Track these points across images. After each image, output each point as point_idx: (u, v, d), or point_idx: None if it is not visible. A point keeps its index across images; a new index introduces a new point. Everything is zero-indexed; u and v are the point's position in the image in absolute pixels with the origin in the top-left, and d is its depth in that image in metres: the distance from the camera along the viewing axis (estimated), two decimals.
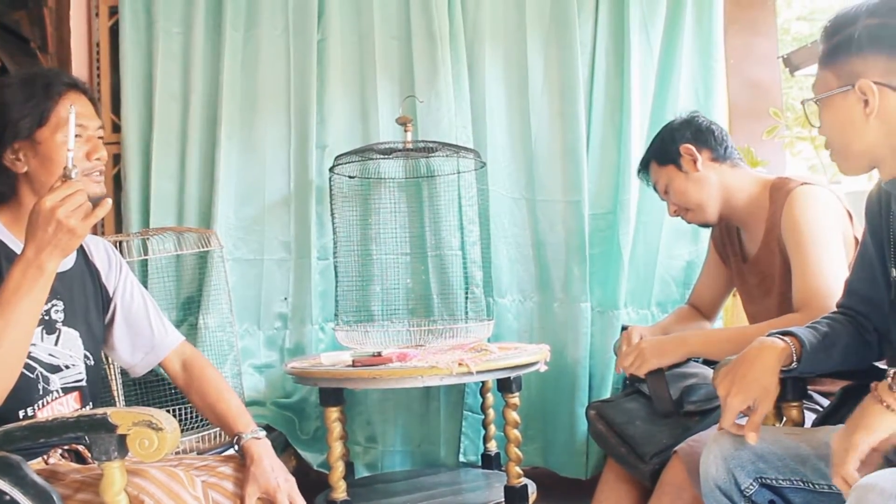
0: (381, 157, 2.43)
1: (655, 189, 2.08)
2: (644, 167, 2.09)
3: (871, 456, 1.13)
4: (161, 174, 2.61)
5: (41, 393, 1.43)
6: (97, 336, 1.58)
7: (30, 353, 1.37)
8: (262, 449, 1.50)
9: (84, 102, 1.49)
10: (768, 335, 1.42)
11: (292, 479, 1.52)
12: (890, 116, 1.25)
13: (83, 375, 1.52)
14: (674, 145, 1.98)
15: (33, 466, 1.23)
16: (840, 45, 1.29)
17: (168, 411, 1.21)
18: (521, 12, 2.60)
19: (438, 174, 2.57)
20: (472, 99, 2.62)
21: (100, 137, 1.51)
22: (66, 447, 1.48)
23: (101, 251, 1.63)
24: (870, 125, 1.27)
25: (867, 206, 1.46)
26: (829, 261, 1.70)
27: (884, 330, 1.43)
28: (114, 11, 2.74)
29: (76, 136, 1.40)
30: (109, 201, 1.28)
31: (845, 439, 1.15)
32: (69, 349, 1.49)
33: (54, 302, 1.46)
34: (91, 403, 1.55)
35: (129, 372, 1.69)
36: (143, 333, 1.64)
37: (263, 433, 1.54)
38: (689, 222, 2.05)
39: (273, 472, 1.47)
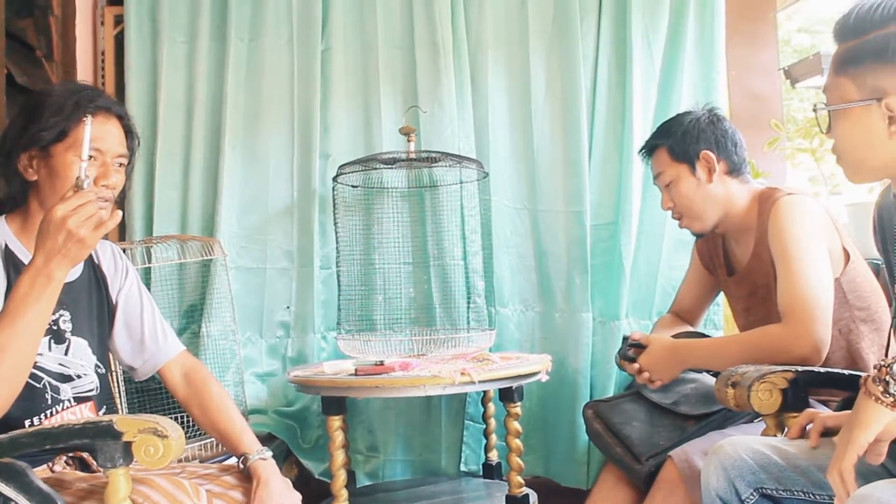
0: (384, 166, 2.44)
1: (655, 176, 1.98)
2: (651, 150, 1.97)
3: (875, 447, 1.13)
4: (165, 183, 2.62)
5: (49, 402, 1.43)
6: (104, 343, 1.58)
7: (36, 362, 1.38)
8: (269, 470, 1.50)
9: (112, 126, 1.47)
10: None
11: (298, 498, 1.52)
12: None
13: (95, 384, 1.52)
14: (696, 146, 1.88)
15: (39, 474, 1.23)
16: (863, 51, 1.19)
17: (172, 419, 1.22)
18: (523, 23, 2.62)
19: (441, 184, 2.58)
20: (474, 109, 2.62)
21: (120, 165, 1.48)
22: (70, 454, 1.48)
23: (108, 256, 1.63)
24: (892, 142, 1.18)
25: (878, 221, 1.40)
26: (813, 269, 1.68)
27: None
28: (119, 20, 2.76)
29: (91, 157, 1.40)
30: (120, 213, 1.29)
31: (844, 436, 1.15)
32: (80, 359, 1.49)
33: (61, 312, 1.46)
34: (104, 409, 1.55)
35: (132, 375, 1.69)
36: (141, 338, 1.64)
37: (269, 453, 1.55)
38: (680, 226, 1.98)
39: (281, 494, 1.47)
